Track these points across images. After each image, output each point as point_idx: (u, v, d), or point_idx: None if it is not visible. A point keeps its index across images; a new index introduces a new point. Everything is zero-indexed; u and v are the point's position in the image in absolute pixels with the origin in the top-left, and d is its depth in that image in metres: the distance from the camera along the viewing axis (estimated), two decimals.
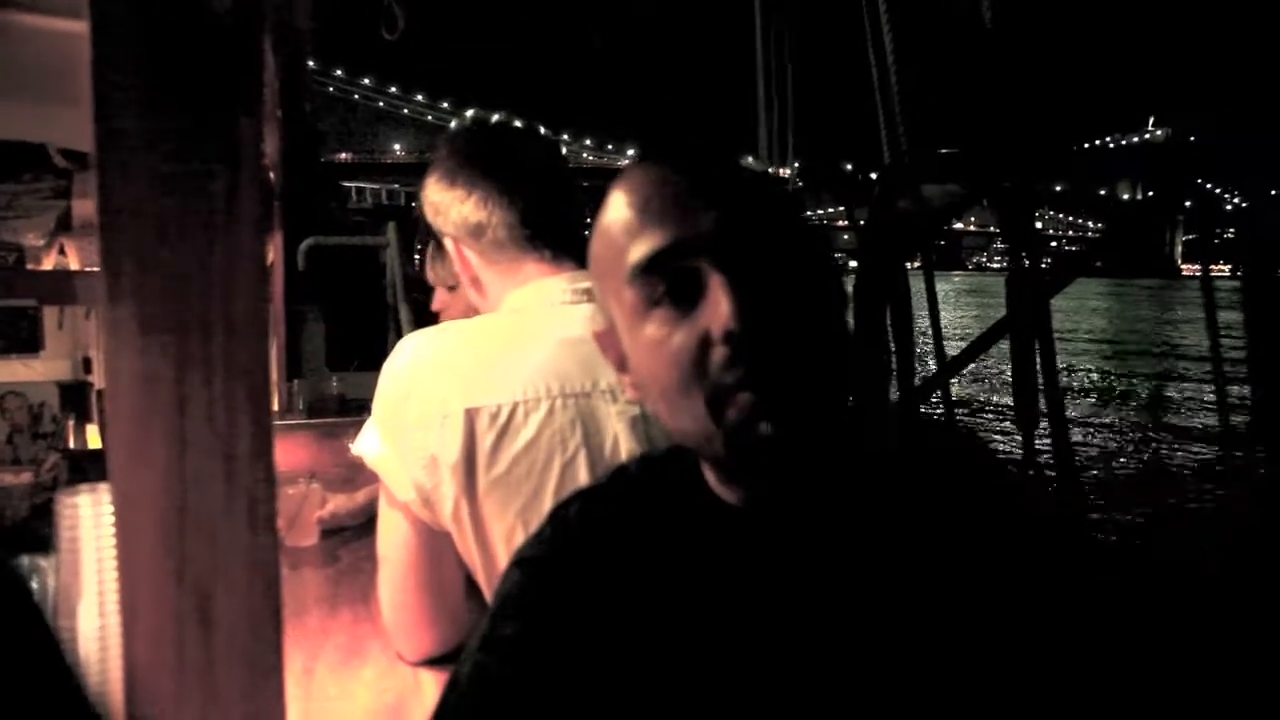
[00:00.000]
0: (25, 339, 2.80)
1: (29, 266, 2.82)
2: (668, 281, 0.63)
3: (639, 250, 0.64)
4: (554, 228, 1.11)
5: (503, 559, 1.00)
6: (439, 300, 1.78)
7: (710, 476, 0.69)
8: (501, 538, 1.00)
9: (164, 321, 0.61)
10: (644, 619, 0.66)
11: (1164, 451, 10.54)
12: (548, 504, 0.97)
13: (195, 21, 0.60)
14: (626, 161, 0.96)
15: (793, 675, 0.63)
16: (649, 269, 0.63)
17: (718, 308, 0.60)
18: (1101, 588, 0.68)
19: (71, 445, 2.40)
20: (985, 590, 0.64)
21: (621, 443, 1.00)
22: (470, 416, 0.98)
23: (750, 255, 0.62)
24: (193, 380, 0.62)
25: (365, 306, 3.74)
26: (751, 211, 0.64)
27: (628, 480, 0.75)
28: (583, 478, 0.98)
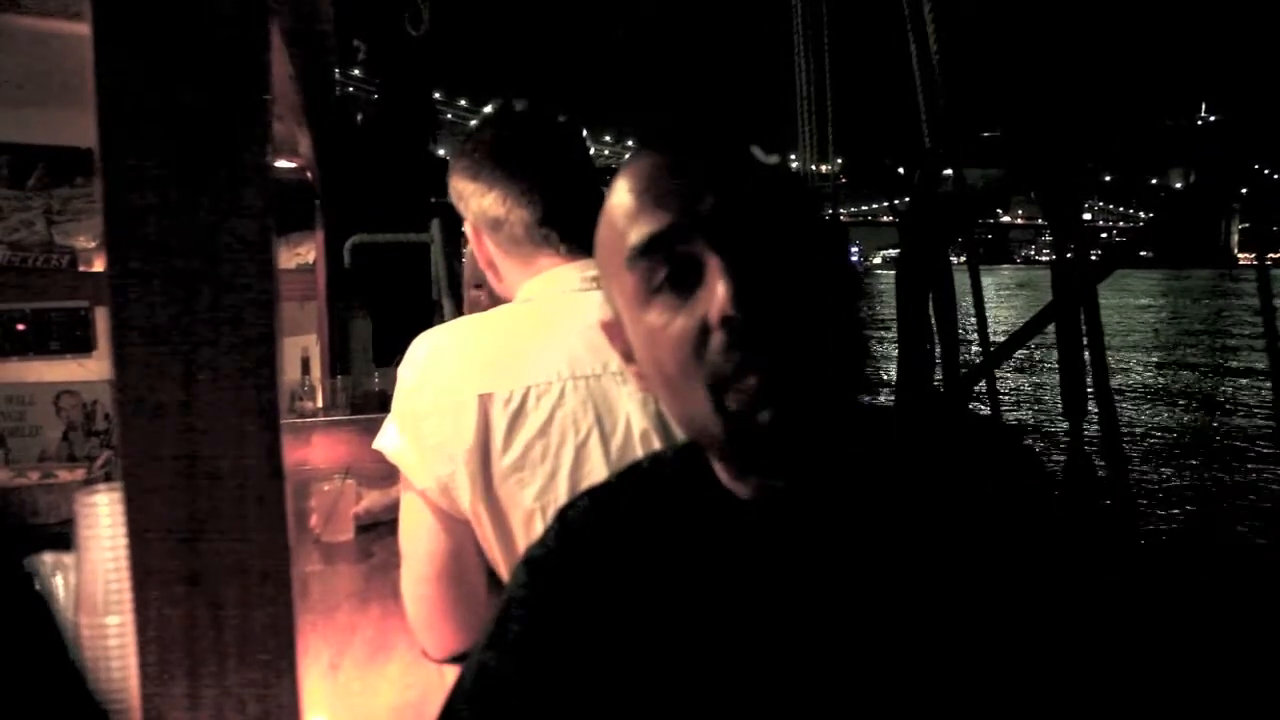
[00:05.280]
0: (79, 339, 2.89)
1: (81, 269, 2.90)
2: (667, 266, 0.62)
3: (637, 234, 0.63)
4: (571, 224, 1.11)
5: (524, 548, 1.00)
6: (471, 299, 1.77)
7: (720, 471, 0.68)
8: (521, 525, 1.00)
9: (170, 319, 0.61)
10: (650, 617, 0.65)
11: (1217, 442, 10.26)
12: (564, 488, 0.98)
13: (198, 14, 0.60)
14: None
15: (799, 674, 0.61)
16: (646, 252, 0.62)
17: (715, 292, 0.59)
18: (1121, 588, 0.66)
19: None
20: (999, 585, 0.62)
21: (634, 423, 1.00)
22: (484, 403, 1.00)
23: (750, 239, 0.60)
24: (200, 379, 0.62)
25: (412, 303, 3.77)
26: (753, 195, 0.62)
27: (637, 477, 0.74)
28: (596, 459, 0.98)
